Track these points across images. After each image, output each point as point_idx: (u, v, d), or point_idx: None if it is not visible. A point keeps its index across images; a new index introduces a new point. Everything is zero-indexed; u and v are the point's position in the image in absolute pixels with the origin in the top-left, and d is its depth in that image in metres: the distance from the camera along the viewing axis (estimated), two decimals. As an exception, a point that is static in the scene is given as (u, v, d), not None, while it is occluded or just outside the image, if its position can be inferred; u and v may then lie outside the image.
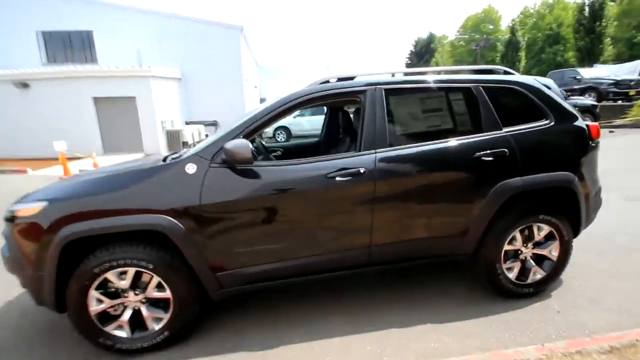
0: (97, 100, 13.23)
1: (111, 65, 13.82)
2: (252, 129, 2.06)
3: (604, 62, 18.87)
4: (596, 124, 2.52)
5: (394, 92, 2.25)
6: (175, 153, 2.54)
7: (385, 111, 2.18)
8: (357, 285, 2.73)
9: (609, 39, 20.66)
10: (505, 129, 2.30)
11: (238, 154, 1.86)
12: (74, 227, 1.83)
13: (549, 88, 2.50)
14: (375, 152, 2.11)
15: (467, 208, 2.22)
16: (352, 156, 2.12)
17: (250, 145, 1.90)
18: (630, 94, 13.52)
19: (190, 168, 1.94)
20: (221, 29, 16.07)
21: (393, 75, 2.48)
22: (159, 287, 1.98)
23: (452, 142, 2.21)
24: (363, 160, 2.09)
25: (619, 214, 3.97)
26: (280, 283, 2.12)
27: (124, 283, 1.94)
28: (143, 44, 15.63)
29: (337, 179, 2.03)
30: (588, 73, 14.71)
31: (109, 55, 15.59)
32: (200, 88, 16.07)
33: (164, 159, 2.25)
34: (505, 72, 2.56)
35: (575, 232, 2.49)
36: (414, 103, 2.31)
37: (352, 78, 2.29)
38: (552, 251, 2.44)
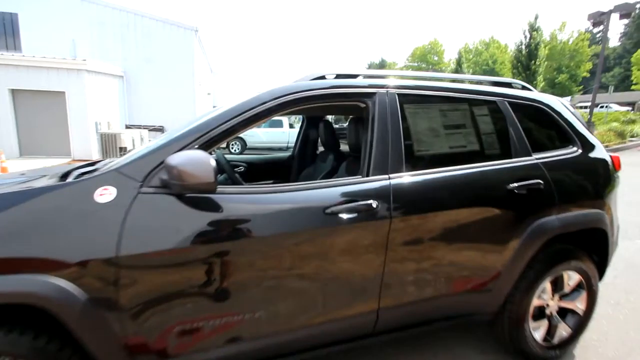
0: (15, 92, 11.19)
1: (37, 54, 11.84)
2: (214, 136, 1.33)
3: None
4: (616, 154, 2.22)
5: (410, 99, 1.69)
6: (91, 164, 1.72)
7: (401, 122, 1.61)
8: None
9: (541, 76, 23.19)
10: (535, 155, 1.87)
11: (192, 175, 1.13)
12: None
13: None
14: (389, 178, 1.52)
15: (498, 254, 1.72)
16: (358, 182, 1.50)
17: (214, 163, 1.19)
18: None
19: (104, 194, 1.17)
20: (173, 27, 14.82)
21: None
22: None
23: (484, 168, 1.71)
24: (373, 188, 1.49)
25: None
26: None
27: (-36, 397, 1.08)
28: (80, 35, 13.77)
29: (342, 216, 1.39)
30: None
31: (37, 45, 13.37)
32: (145, 89, 14.50)
33: (64, 175, 1.44)
34: (524, 88, 2.17)
35: (600, 279, 2.13)
36: (433, 115, 1.78)
37: (354, 77, 1.71)
38: (579, 303, 2.03)
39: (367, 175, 1.52)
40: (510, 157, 1.81)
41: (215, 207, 1.26)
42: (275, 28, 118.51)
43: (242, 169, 2.76)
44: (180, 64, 14.88)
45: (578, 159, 1.98)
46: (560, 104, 2.12)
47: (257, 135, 14.55)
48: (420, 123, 1.72)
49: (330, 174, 2.42)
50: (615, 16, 16.51)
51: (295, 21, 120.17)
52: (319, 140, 2.81)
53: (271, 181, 2.95)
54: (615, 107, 27.28)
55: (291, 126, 14.73)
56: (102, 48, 13.85)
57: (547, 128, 2.02)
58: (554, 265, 1.87)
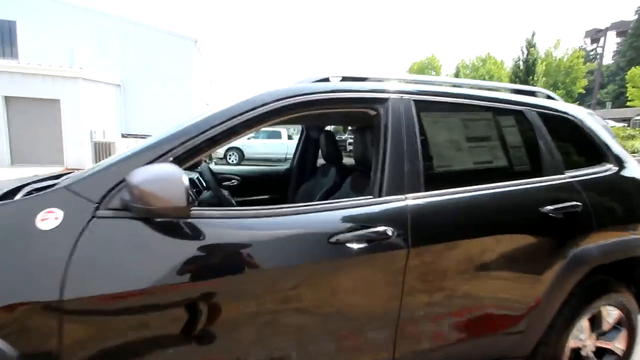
0: (8, 100, 10.99)
1: (32, 61, 11.69)
2: (194, 147, 1.08)
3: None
4: None
5: (427, 106, 1.46)
6: (55, 178, 1.46)
7: (418, 133, 1.38)
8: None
9: (538, 91, 23.39)
10: (568, 173, 1.64)
11: (157, 197, 0.89)
12: None
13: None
14: (406, 199, 1.28)
15: (532, 290, 1.47)
16: (368, 204, 1.25)
17: (187, 180, 0.94)
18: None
19: (48, 218, 0.91)
20: (173, 38, 14.79)
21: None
22: None
23: (515, 187, 1.47)
24: (387, 211, 1.24)
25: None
26: None
27: None
28: (79, 44, 13.68)
29: (350, 246, 1.14)
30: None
31: (35, 52, 13.22)
32: (143, 98, 14.34)
33: (11, 191, 1.18)
34: (548, 97, 1.95)
35: None
36: (455, 125, 1.55)
37: (363, 79, 1.48)
38: (618, 343, 1.77)
39: (380, 196, 1.27)
40: (541, 175, 1.58)
41: (192, 235, 1.00)
42: (275, 40, 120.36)
43: (235, 182, 2.51)
44: (179, 74, 14.79)
45: (613, 178, 1.75)
46: (589, 116, 1.90)
47: (255, 146, 14.38)
48: (440, 134, 1.48)
49: (332, 190, 2.19)
50: (611, 34, 16.75)
51: (295, 33, 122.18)
52: (320, 152, 2.59)
53: (267, 196, 2.71)
54: (612, 123, 27.53)
55: (290, 137, 14.58)
56: (100, 57, 13.74)
57: (578, 142, 1.80)
58: (592, 300, 1.62)
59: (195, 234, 1.00)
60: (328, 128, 2.73)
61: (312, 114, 1.37)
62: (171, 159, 1.04)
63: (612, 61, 51.43)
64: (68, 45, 13.58)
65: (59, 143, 11.34)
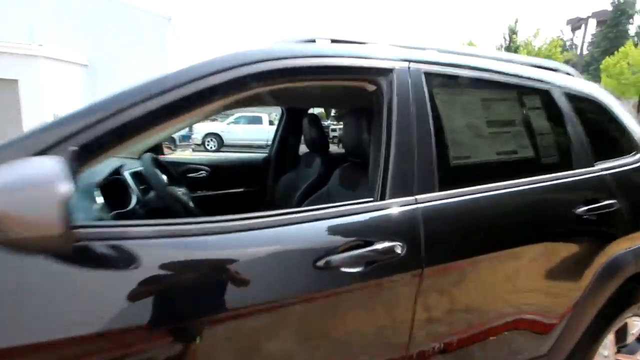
0: (-43, 79, 9.97)
1: (-15, 37, 10.59)
2: (109, 131, 0.72)
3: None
4: None
5: (441, 81, 1.14)
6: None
7: (431, 115, 1.06)
8: None
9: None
10: (598, 166, 1.38)
11: (11, 218, 0.53)
12: None
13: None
14: (417, 202, 0.97)
15: (561, 307, 1.22)
16: (367, 209, 0.94)
17: (67, 187, 0.58)
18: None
19: None
20: (144, 14, 13.81)
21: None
22: None
23: (545, 183, 1.19)
24: (392, 219, 0.93)
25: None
26: None
27: None
28: (40, 20, 12.48)
29: (344, 270, 0.82)
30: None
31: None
32: (113, 79, 13.31)
33: None
34: (568, 75, 1.68)
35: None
36: (474, 106, 1.23)
37: (360, 44, 1.14)
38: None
39: (382, 198, 0.95)
40: (570, 168, 1.31)
41: (108, 263, 0.66)
42: (257, 22, 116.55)
43: (203, 174, 2.15)
44: (152, 54, 13.87)
45: (643, 170, 1.52)
46: (613, 99, 1.65)
47: (235, 132, 13.78)
48: (459, 117, 1.17)
49: (317, 182, 1.89)
50: (591, 22, 16.93)
51: (274, 13, 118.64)
52: (303, 139, 2.25)
53: (242, 189, 2.36)
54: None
55: (271, 123, 14.04)
56: (65, 34, 12.64)
57: (606, 129, 1.55)
58: (621, 312, 1.40)
59: (119, 261, 0.65)
60: (311, 111, 2.40)
61: (291, 89, 1.04)
62: (75, 148, 0.68)
63: (587, 51, 52.74)
64: (28, 21, 12.39)
65: (18, 127, 10.44)
